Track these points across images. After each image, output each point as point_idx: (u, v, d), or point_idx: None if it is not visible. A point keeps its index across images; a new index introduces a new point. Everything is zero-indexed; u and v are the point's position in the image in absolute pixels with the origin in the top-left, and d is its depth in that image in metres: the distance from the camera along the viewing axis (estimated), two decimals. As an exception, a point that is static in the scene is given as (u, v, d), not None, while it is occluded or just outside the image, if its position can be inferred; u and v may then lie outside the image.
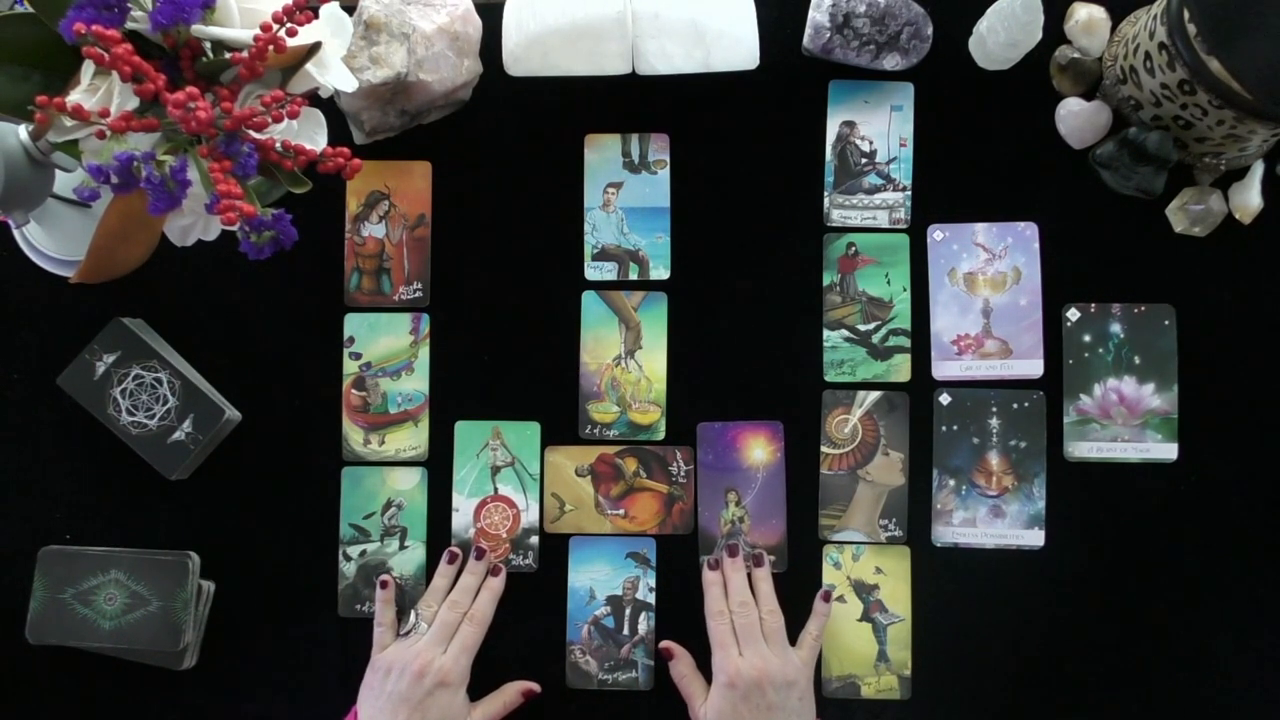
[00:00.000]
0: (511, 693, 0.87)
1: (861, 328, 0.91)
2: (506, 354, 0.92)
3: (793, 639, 0.85)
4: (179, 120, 0.63)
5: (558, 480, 0.91)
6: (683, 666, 0.86)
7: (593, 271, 0.92)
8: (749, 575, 0.87)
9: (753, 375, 0.91)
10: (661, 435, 0.91)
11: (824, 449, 0.90)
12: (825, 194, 0.91)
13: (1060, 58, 0.90)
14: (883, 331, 0.91)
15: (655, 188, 0.92)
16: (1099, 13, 0.89)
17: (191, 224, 0.72)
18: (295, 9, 0.66)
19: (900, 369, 0.90)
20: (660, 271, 0.92)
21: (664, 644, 0.88)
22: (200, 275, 0.92)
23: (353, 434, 0.91)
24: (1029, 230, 0.90)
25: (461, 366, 0.91)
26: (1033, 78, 0.91)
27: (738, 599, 0.85)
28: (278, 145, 0.68)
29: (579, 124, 0.92)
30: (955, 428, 0.90)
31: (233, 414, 0.90)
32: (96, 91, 0.67)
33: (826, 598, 0.87)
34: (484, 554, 0.88)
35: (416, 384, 0.91)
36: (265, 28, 0.65)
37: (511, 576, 0.90)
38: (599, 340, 0.91)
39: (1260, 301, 0.89)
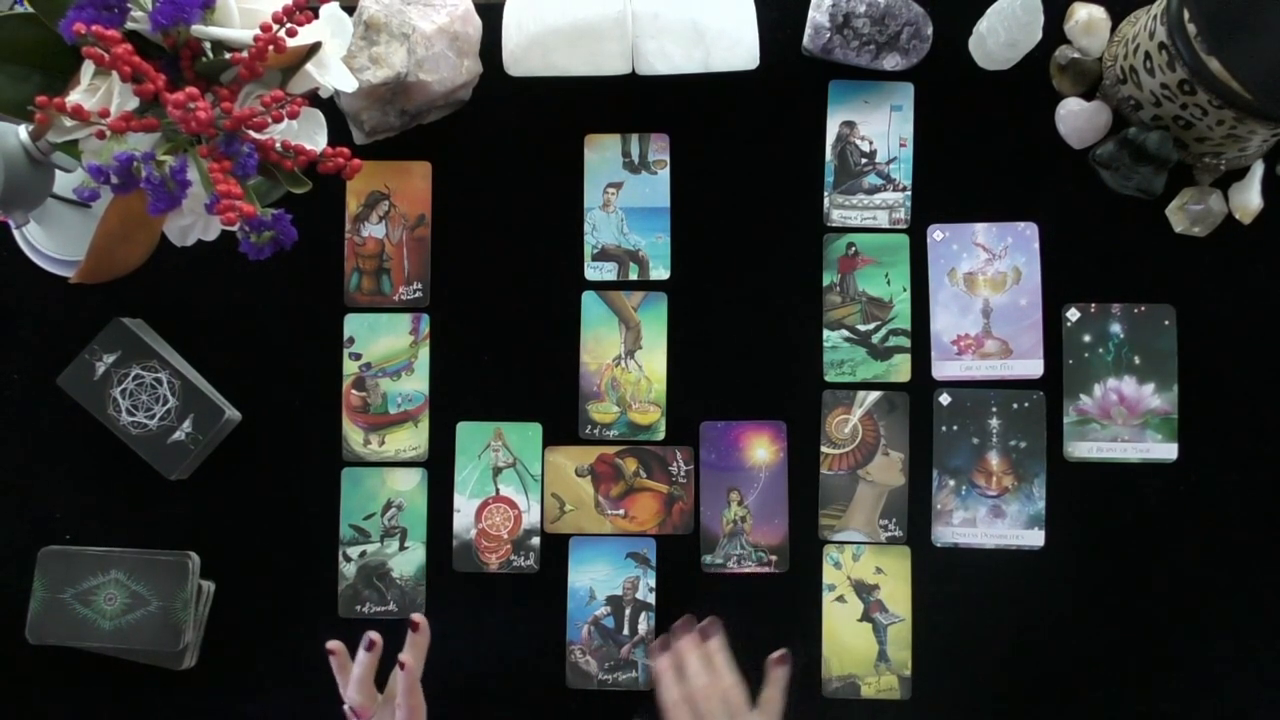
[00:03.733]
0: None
1: (861, 328, 0.91)
2: (506, 354, 0.92)
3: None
4: (179, 120, 0.63)
5: (558, 480, 0.91)
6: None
7: (593, 271, 0.92)
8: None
9: (753, 375, 0.91)
10: (661, 435, 0.91)
11: (824, 449, 0.90)
12: (825, 194, 0.91)
13: (1060, 58, 0.90)
14: (883, 331, 0.91)
15: (655, 188, 0.92)
16: (1099, 13, 0.89)
17: (191, 224, 0.72)
18: (295, 9, 0.66)
19: (900, 369, 0.90)
20: (660, 271, 0.92)
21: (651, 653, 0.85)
22: (200, 275, 0.92)
23: (353, 434, 0.91)
24: (1029, 230, 0.90)
25: (461, 366, 0.91)
26: (1033, 78, 0.91)
27: (698, 681, 0.80)
28: (278, 145, 0.68)
29: (579, 124, 0.92)
30: (955, 428, 0.90)
31: (233, 414, 0.90)
32: (96, 91, 0.67)
33: (783, 661, 0.83)
34: (374, 644, 0.77)
35: (416, 384, 0.91)
36: (265, 28, 0.65)
37: (512, 577, 0.90)
38: (599, 340, 0.91)
39: (1260, 301, 0.89)
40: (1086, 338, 0.90)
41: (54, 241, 0.86)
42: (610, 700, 0.89)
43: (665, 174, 0.92)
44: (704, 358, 0.91)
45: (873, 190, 0.91)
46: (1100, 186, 0.89)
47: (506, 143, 0.92)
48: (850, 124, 0.92)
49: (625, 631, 0.89)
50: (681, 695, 0.80)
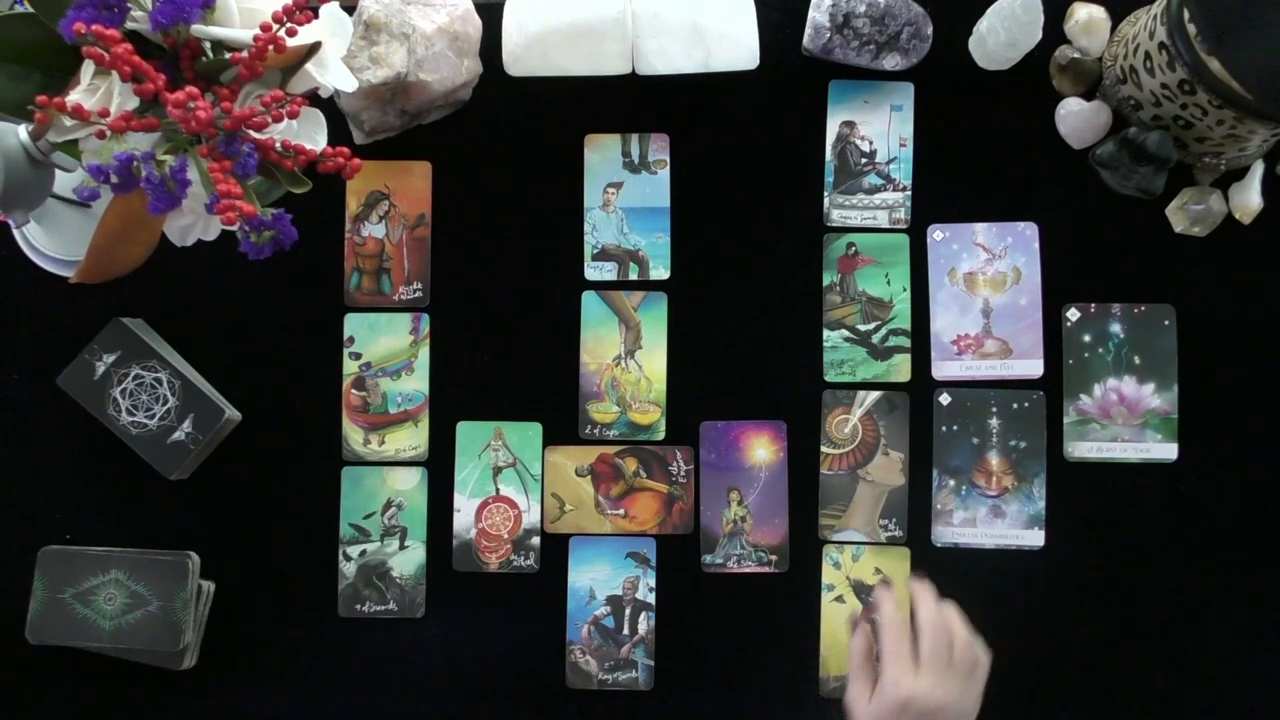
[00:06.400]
0: None
1: (861, 328, 0.91)
2: (506, 354, 0.91)
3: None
4: (179, 120, 0.63)
5: (558, 480, 0.91)
6: (861, 643, 0.79)
7: (593, 271, 0.92)
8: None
9: (752, 375, 0.91)
10: (661, 435, 0.91)
11: (824, 449, 0.90)
12: (825, 194, 0.91)
13: (1060, 58, 0.90)
14: (883, 331, 0.91)
15: (655, 188, 0.92)
16: (1099, 13, 0.89)
17: (191, 224, 0.72)
18: (295, 9, 0.66)
19: (900, 369, 0.90)
20: (660, 271, 0.92)
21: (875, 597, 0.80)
22: (200, 275, 0.91)
23: (353, 434, 0.91)
24: (1029, 230, 0.90)
25: (461, 366, 0.91)
26: (1033, 78, 0.91)
27: (929, 620, 0.77)
28: (278, 145, 0.68)
29: (579, 124, 0.92)
30: (955, 428, 0.90)
31: (233, 414, 0.90)
32: (96, 91, 0.67)
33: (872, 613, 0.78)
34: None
35: (416, 384, 0.91)
36: (265, 28, 0.65)
37: (512, 576, 0.90)
38: (599, 340, 0.91)
39: (1260, 301, 0.89)
40: (1086, 338, 0.90)
41: (54, 241, 0.86)
42: (610, 700, 0.89)
43: (665, 174, 0.92)
44: (704, 358, 0.91)
45: (873, 190, 0.91)
46: (1100, 186, 0.89)
47: (506, 143, 0.92)
48: (850, 124, 0.92)
49: (625, 631, 0.89)
50: (899, 620, 0.76)
